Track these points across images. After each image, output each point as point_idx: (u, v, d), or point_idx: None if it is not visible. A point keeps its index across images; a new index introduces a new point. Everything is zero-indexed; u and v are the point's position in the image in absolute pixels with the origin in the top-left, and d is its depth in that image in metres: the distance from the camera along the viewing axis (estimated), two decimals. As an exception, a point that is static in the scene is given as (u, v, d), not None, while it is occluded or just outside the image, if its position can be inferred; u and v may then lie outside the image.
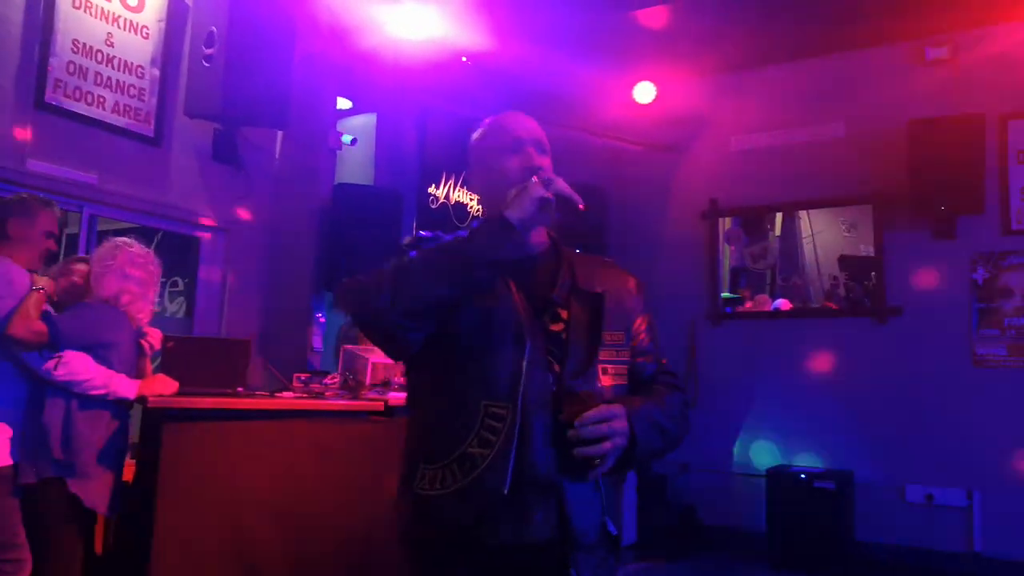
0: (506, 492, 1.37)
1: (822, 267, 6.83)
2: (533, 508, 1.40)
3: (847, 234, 6.85)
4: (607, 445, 1.36)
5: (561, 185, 1.43)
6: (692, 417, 1.62)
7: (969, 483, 4.81)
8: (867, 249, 5.86)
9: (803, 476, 4.86)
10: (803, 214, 6.72)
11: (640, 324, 1.60)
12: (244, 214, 4.67)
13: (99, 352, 2.75)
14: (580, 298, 1.52)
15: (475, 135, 1.66)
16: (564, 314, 1.50)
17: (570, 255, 1.60)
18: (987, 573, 4.66)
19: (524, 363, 1.42)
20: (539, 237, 1.58)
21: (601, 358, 1.49)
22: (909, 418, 5.01)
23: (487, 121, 1.65)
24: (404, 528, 1.49)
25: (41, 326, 2.62)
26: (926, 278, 5.09)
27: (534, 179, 1.43)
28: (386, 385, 3.62)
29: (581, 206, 1.42)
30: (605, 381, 1.48)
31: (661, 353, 1.63)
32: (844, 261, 6.51)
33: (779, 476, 4.93)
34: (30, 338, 2.60)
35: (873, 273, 5.46)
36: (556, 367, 1.45)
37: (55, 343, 2.65)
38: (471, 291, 1.42)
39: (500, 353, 1.43)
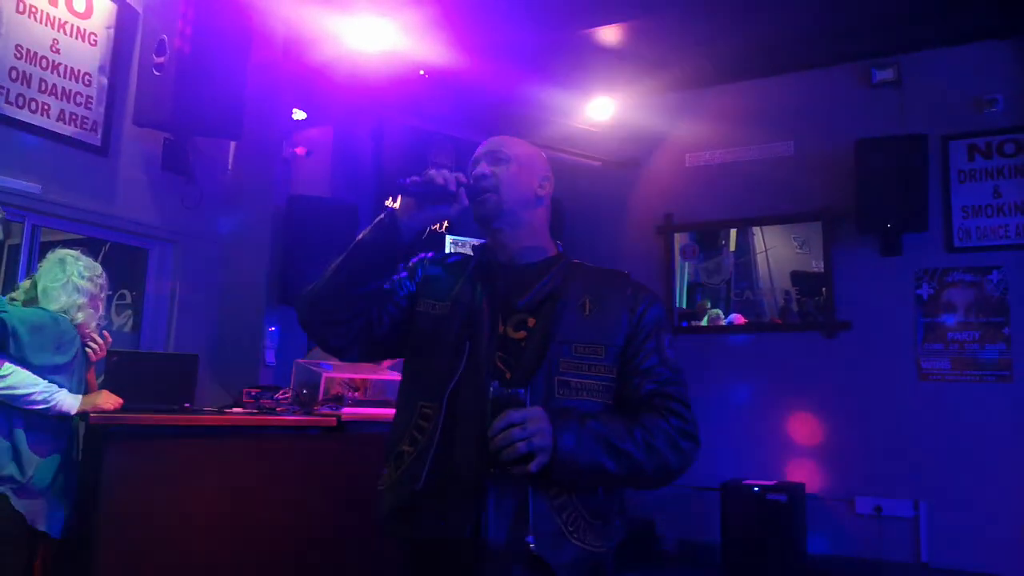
0: (418, 488, 1.44)
1: (775, 282, 6.95)
2: (452, 507, 1.43)
3: (799, 250, 6.99)
4: (520, 447, 1.33)
5: (432, 173, 1.47)
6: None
7: (916, 494, 4.92)
8: (818, 265, 5.99)
9: (756, 489, 4.91)
10: (757, 230, 6.83)
11: (640, 342, 1.52)
12: (194, 224, 4.57)
13: (47, 368, 2.68)
14: (550, 306, 1.51)
15: None
16: (531, 322, 1.50)
17: (574, 266, 1.61)
18: (933, 582, 4.78)
19: (461, 366, 1.46)
20: (536, 245, 1.60)
21: (562, 370, 1.46)
22: (858, 431, 5.11)
23: None
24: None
25: None
26: (873, 293, 5.23)
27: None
28: (339, 400, 3.56)
29: (440, 181, 1.46)
30: (565, 395, 1.45)
31: (668, 375, 1.53)
32: (796, 276, 6.64)
33: (733, 489, 4.99)
34: None
35: (823, 288, 5.58)
36: (508, 375, 1.46)
37: (2, 334, 2.58)
38: (363, 276, 1.50)
39: (442, 356, 1.49)
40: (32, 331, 2.67)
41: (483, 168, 1.59)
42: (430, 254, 1.68)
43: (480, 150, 1.64)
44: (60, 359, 2.75)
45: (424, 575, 1.50)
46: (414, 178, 1.47)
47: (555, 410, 1.41)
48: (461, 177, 1.50)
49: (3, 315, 2.62)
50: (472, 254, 1.66)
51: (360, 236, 1.52)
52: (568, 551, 1.42)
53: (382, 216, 1.51)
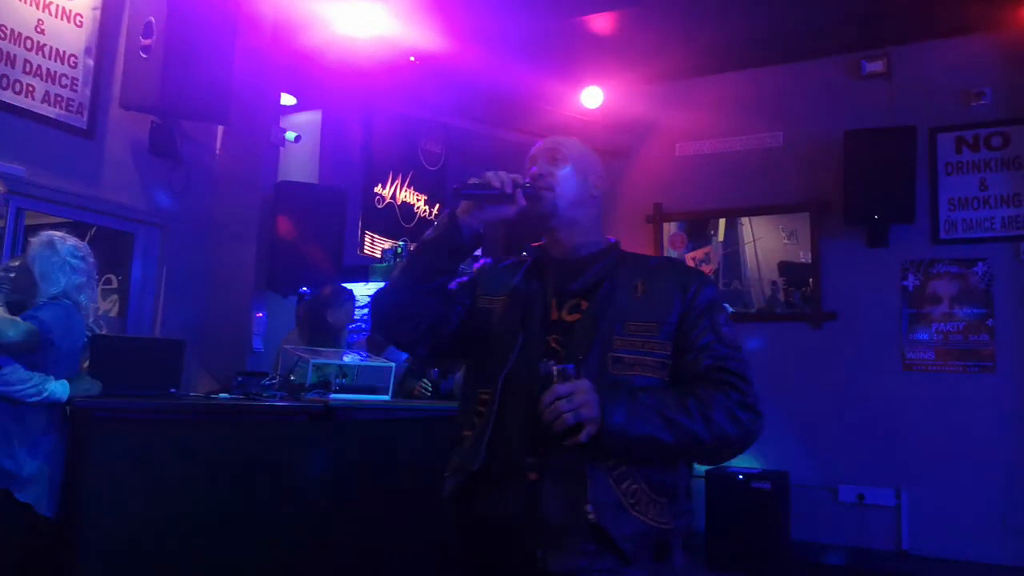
0: (475, 469, 1.50)
1: (763, 273, 6.96)
2: (506, 486, 1.48)
3: (787, 241, 6.99)
4: (568, 418, 1.37)
5: (488, 176, 1.54)
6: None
7: (898, 483, 4.98)
8: (806, 256, 6.02)
9: (740, 477, 4.96)
10: (745, 220, 6.84)
11: (695, 320, 1.55)
12: (181, 209, 4.54)
13: (60, 355, 2.69)
14: (602, 289, 1.57)
15: None
16: (584, 304, 1.56)
17: (627, 255, 1.67)
18: (913, 570, 4.83)
19: (515, 351, 1.53)
20: (590, 241, 1.65)
21: (616, 348, 1.50)
22: (842, 420, 5.16)
23: None
24: None
25: (30, 326, 2.60)
26: (860, 284, 5.27)
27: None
28: (326, 386, 3.56)
29: (496, 184, 1.52)
30: (619, 371, 1.49)
31: (726, 351, 1.53)
32: (783, 267, 6.66)
33: (717, 477, 5.03)
34: (24, 339, 2.58)
35: (810, 279, 5.62)
36: (562, 354, 1.50)
37: (46, 342, 2.64)
38: (427, 274, 1.58)
39: (498, 345, 1.56)
40: (62, 334, 2.72)
41: (541, 167, 1.64)
42: (489, 260, 1.77)
43: (536, 149, 1.69)
44: (68, 351, 2.77)
45: (485, 554, 1.53)
46: (472, 180, 1.54)
47: (608, 384, 1.45)
48: (518, 178, 1.56)
49: (38, 323, 2.64)
50: (527, 256, 1.72)
51: (424, 236, 1.61)
52: (629, 523, 1.44)
53: (443, 217, 1.59)
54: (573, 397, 1.38)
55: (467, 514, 1.55)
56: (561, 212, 1.62)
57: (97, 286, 3.02)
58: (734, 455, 1.55)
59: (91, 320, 3.02)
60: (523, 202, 1.56)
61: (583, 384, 1.40)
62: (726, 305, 6.08)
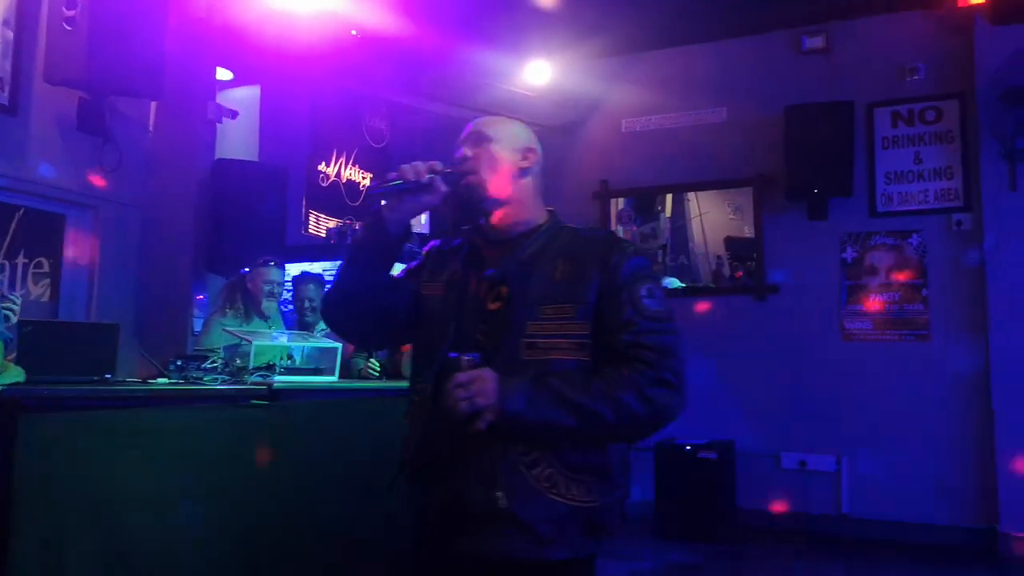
0: (411, 458, 1.58)
1: (709, 247, 7.08)
2: (437, 475, 1.55)
3: (732, 216, 7.12)
4: (463, 407, 1.41)
5: (403, 168, 1.55)
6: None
7: (838, 449, 5.14)
8: (750, 231, 6.13)
9: (688, 448, 5.05)
10: (692, 196, 6.93)
11: (614, 295, 1.52)
12: (114, 188, 4.37)
13: None
14: (519, 273, 1.56)
15: None
16: (504, 291, 1.55)
17: (559, 231, 1.63)
18: (852, 532, 5.01)
19: (447, 341, 1.54)
20: (524, 218, 1.63)
21: (529, 332, 1.50)
22: (785, 390, 5.29)
23: None
24: None
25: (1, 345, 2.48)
26: (801, 257, 5.38)
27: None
28: (270, 368, 3.48)
29: (410, 176, 1.54)
30: (533, 355, 1.49)
31: (647, 325, 1.51)
32: (729, 242, 6.77)
33: (666, 449, 5.11)
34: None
35: (755, 253, 5.71)
36: (486, 344, 1.53)
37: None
38: (364, 274, 1.62)
39: (434, 336, 1.59)
40: None
41: (463, 151, 1.64)
42: (438, 242, 1.75)
43: (463, 135, 1.69)
44: None
45: (428, 536, 1.61)
46: (390, 175, 1.55)
47: (521, 369, 1.48)
48: (436, 165, 1.56)
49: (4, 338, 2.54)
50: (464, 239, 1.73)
51: (354, 237, 1.66)
52: (543, 506, 1.46)
53: (369, 216, 1.63)
54: (470, 386, 1.41)
55: (416, 498, 1.62)
56: (491, 193, 1.61)
57: None
58: (653, 432, 1.56)
59: None
60: (444, 188, 1.56)
61: (482, 373, 1.43)
62: (672, 280, 6.23)
